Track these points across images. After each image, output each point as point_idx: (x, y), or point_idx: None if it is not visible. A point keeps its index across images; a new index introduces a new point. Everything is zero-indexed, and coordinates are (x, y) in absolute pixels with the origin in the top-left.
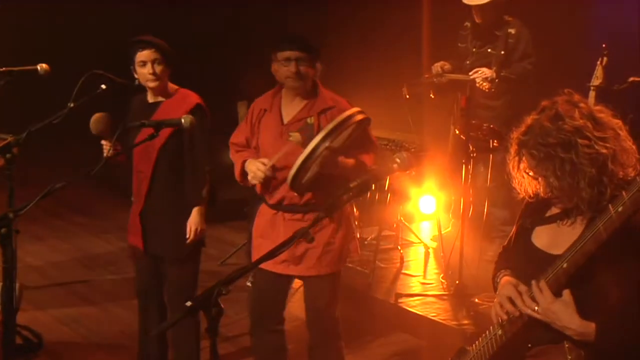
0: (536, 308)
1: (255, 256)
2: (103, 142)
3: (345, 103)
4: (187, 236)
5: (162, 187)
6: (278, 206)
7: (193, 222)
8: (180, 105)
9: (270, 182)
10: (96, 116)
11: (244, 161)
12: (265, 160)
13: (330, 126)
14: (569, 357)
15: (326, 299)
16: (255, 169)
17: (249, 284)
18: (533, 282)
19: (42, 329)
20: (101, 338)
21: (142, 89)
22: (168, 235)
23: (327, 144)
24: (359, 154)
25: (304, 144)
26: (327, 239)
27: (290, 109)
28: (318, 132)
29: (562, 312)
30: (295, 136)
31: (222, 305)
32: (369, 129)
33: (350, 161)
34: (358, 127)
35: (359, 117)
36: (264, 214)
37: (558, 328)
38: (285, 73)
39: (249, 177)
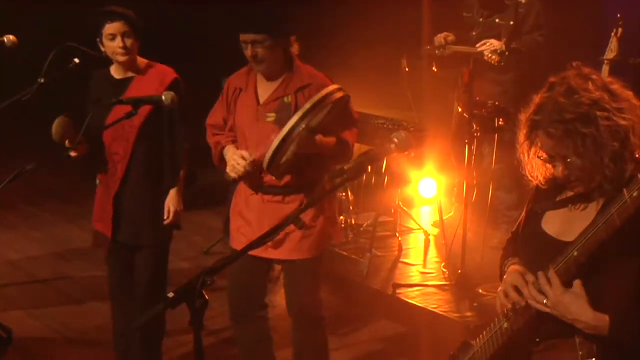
0: (545, 301)
1: (234, 238)
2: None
3: (323, 78)
4: (165, 217)
5: (140, 170)
6: (258, 187)
7: (171, 202)
8: (156, 81)
9: (250, 174)
10: (57, 122)
11: (222, 147)
12: (245, 154)
13: (307, 106)
14: (580, 353)
15: (307, 284)
16: (235, 163)
17: None
18: (540, 273)
19: (12, 324)
20: (76, 333)
21: (105, 64)
22: (143, 221)
23: (304, 124)
24: (339, 131)
25: (282, 125)
26: (307, 222)
27: (266, 87)
28: (295, 111)
29: (573, 304)
30: (272, 117)
31: (207, 297)
32: (349, 104)
33: (330, 139)
34: (336, 105)
35: (338, 94)
36: (242, 193)
37: (569, 321)
38: (246, 55)
39: (228, 169)
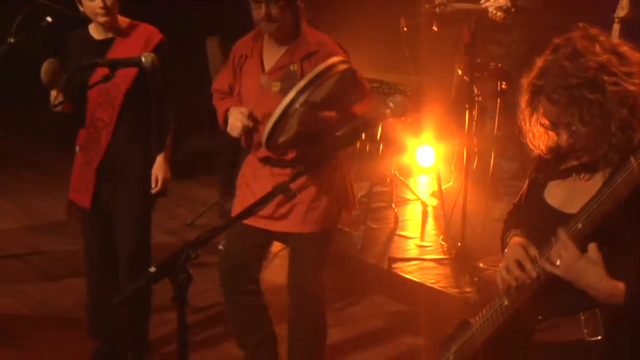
0: (558, 263)
1: (236, 206)
2: (53, 92)
3: (332, 46)
4: (153, 186)
5: (126, 136)
6: (266, 160)
7: (159, 170)
8: (140, 43)
9: (252, 134)
10: (46, 64)
11: (227, 109)
12: (243, 110)
13: (306, 79)
14: (585, 331)
15: (311, 261)
16: (234, 119)
17: (221, 247)
18: (554, 238)
19: None
20: (54, 311)
21: (84, 23)
22: (130, 190)
23: (303, 99)
24: (349, 104)
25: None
26: (313, 195)
27: (272, 54)
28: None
29: (589, 270)
30: (278, 86)
31: (191, 272)
32: (358, 75)
33: (337, 115)
34: (341, 79)
35: (341, 67)
36: (250, 164)
37: (581, 287)
38: (257, 16)
39: (228, 129)
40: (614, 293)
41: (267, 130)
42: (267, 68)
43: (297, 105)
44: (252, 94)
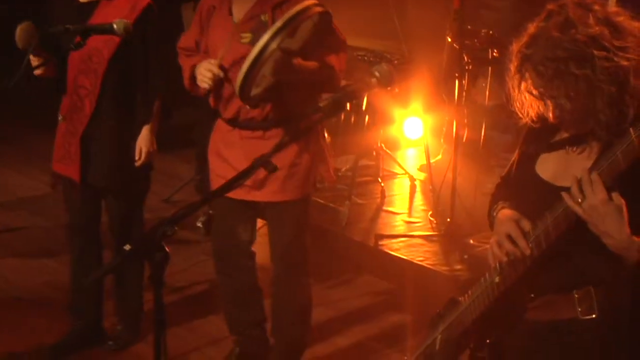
0: (580, 201)
1: (213, 181)
2: (32, 57)
3: None
4: (137, 157)
5: (111, 105)
6: (234, 122)
7: (143, 141)
8: (126, 7)
9: (221, 90)
10: (20, 27)
11: (194, 65)
12: (212, 60)
13: (279, 23)
14: (579, 309)
15: (293, 229)
16: (203, 70)
17: (199, 224)
18: (584, 173)
19: None
20: (24, 291)
21: None
22: (115, 162)
23: (276, 44)
24: (323, 55)
25: None
26: (291, 159)
27: (242, 5)
28: None
29: (613, 217)
30: (248, 37)
31: (168, 250)
32: (333, 24)
33: (313, 64)
34: (316, 23)
35: (315, 10)
36: (220, 130)
37: (598, 232)
38: None
39: (198, 81)
40: (631, 247)
41: (240, 78)
42: (236, 19)
43: (269, 51)
44: (221, 47)
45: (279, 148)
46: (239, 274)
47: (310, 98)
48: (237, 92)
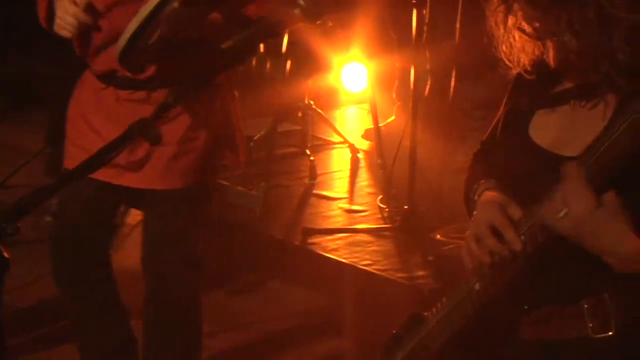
0: (563, 213)
1: (70, 154)
2: None
3: None
4: None
5: None
6: (109, 77)
7: None
8: None
9: (91, 34)
10: None
11: None
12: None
13: None
14: (590, 325)
15: (178, 226)
16: (64, 12)
17: (49, 218)
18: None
19: None
20: None
21: None
22: None
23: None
24: (240, 4)
25: None
26: (183, 132)
27: None
28: None
29: (608, 227)
30: None
31: (7, 255)
32: None
33: (223, 19)
34: None
35: None
36: (87, 86)
37: (594, 250)
38: None
39: (56, 26)
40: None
41: (126, 38)
42: None
43: (170, 5)
44: None
45: (161, 112)
46: (87, 289)
47: (208, 51)
48: (117, 53)
